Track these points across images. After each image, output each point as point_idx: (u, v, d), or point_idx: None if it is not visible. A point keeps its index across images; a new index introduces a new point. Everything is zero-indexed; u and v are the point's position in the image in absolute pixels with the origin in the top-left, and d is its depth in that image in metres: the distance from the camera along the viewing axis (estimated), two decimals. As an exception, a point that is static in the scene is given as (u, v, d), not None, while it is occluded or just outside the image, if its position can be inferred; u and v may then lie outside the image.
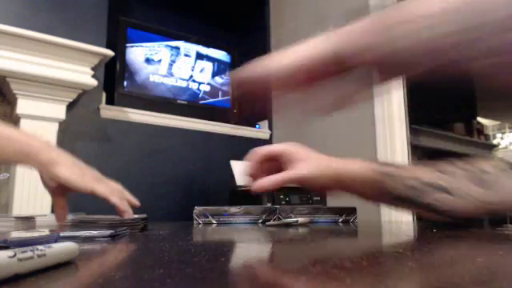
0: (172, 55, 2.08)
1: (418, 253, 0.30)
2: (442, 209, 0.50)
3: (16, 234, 0.46)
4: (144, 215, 0.60)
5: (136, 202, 0.66)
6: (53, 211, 0.67)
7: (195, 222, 0.73)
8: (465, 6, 0.30)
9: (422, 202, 0.51)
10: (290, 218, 0.71)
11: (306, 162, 0.54)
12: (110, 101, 1.85)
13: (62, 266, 0.21)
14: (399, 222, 1.13)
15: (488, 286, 0.16)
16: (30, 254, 0.18)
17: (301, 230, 0.57)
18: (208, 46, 2.22)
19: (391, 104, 1.59)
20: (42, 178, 0.63)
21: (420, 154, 2.39)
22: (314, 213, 0.76)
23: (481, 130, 3.79)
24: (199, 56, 2.18)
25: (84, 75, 1.62)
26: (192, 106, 2.10)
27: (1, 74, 1.46)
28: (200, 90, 2.16)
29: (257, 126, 2.29)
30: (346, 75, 0.38)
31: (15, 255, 0.17)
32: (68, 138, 1.64)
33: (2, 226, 0.57)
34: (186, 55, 2.14)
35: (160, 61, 2.04)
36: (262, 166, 0.57)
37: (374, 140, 1.63)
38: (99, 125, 1.78)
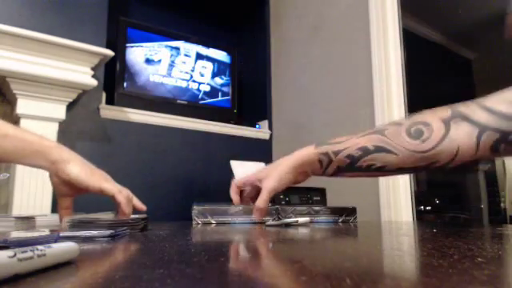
0: (172, 55, 2.08)
1: (418, 253, 0.30)
2: (381, 165, 0.56)
3: (16, 234, 0.46)
4: (144, 215, 0.60)
5: (143, 206, 0.67)
6: (53, 211, 0.67)
7: (194, 221, 0.73)
8: None
9: (362, 166, 0.58)
10: (290, 218, 0.71)
11: (269, 178, 0.68)
12: (110, 101, 1.85)
13: (62, 266, 0.21)
14: (399, 223, 1.13)
15: (488, 286, 0.16)
16: (30, 253, 0.18)
17: (301, 230, 0.57)
18: (208, 46, 2.22)
19: (391, 104, 1.59)
20: (51, 177, 0.64)
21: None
22: (313, 213, 0.76)
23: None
24: (199, 56, 2.18)
25: (84, 75, 1.62)
26: (192, 106, 2.10)
27: (1, 74, 1.46)
28: (200, 90, 2.16)
29: (257, 125, 2.29)
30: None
31: (15, 255, 0.17)
32: (68, 137, 1.64)
33: (2, 225, 0.57)
34: (186, 55, 2.14)
35: (160, 61, 2.04)
36: (244, 191, 0.76)
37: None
38: (99, 125, 1.78)
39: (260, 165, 0.85)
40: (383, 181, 1.54)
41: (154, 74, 2.01)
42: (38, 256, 0.19)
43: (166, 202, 1.83)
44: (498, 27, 3.49)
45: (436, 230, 0.49)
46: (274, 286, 0.17)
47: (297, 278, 0.19)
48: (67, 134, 1.65)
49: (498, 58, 3.87)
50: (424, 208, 3.05)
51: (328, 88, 1.89)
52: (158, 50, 2.04)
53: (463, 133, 0.51)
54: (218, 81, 2.23)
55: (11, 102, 1.61)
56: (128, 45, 1.94)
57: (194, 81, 2.14)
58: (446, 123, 0.52)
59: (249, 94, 2.45)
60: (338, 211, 0.79)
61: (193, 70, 2.15)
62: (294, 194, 1.51)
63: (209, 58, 2.22)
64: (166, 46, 2.07)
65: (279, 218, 0.71)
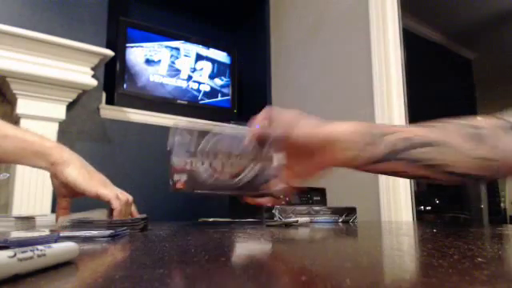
0: (172, 55, 2.08)
1: (418, 253, 0.30)
2: (430, 163, 0.47)
3: (16, 234, 0.46)
4: (144, 215, 0.60)
5: (137, 216, 0.66)
6: (53, 211, 0.67)
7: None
8: None
9: (409, 158, 0.47)
10: (290, 218, 0.71)
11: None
12: (110, 101, 1.85)
13: (62, 266, 0.21)
14: (399, 222, 1.13)
15: (488, 286, 0.16)
16: (30, 253, 0.18)
17: (301, 230, 0.57)
18: (208, 46, 2.22)
19: (391, 104, 1.59)
20: (51, 177, 0.64)
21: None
22: (313, 213, 0.76)
23: (481, 130, 3.79)
24: (199, 57, 2.18)
25: (84, 75, 1.62)
26: (192, 106, 2.10)
27: (1, 74, 1.46)
28: (200, 91, 2.16)
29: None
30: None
31: (15, 255, 0.17)
32: (68, 138, 1.64)
33: (2, 225, 0.57)
34: (186, 55, 2.14)
35: (160, 61, 2.04)
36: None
37: (374, 140, 1.62)
38: (99, 125, 1.78)
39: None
40: (383, 181, 1.54)
41: (154, 74, 2.01)
42: (38, 256, 0.19)
43: (166, 201, 1.83)
44: (498, 27, 3.49)
45: (436, 230, 0.49)
46: (275, 285, 0.17)
47: (297, 277, 0.19)
48: (67, 134, 1.65)
49: (498, 58, 3.87)
50: (424, 208, 3.05)
51: (328, 88, 1.89)
52: (158, 50, 2.04)
53: None
54: (218, 82, 2.23)
55: (11, 102, 1.61)
56: (128, 45, 1.94)
57: (193, 81, 2.14)
58: (507, 131, 0.46)
59: (249, 94, 2.45)
60: (338, 211, 0.79)
61: (192, 71, 2.15)
62: (293, 194, 1.51)
63: (209, 59, 2.22)
64: (166, 47, 2.07)
65: (279, 218, 0.71)
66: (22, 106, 1.53)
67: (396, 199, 1.50)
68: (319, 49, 1.98)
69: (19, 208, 1.46)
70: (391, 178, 1.54)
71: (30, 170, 1.36)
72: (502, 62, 3.90)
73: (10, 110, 1.62)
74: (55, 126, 1.59)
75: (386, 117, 1.57)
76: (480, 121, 0.49)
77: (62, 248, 0.21)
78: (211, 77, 2.21)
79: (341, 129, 0.49)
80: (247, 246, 0.35)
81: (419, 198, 2.24)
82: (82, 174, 0.62)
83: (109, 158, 1.75)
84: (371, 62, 1.66)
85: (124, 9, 2.14)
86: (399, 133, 0.48)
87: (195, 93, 2.14)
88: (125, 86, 1.90)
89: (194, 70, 2.15)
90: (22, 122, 1.53)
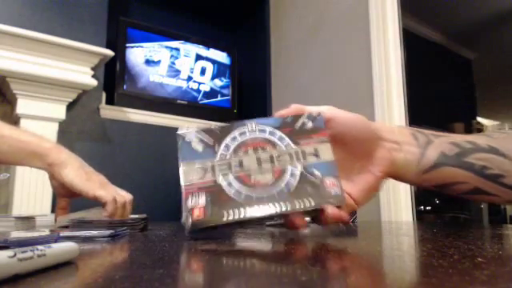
0: (172, 55, 2.08)
1: (418, 253, 0.30)
2: (499, 172, 0.39)
3: (16, 234, 0.46)
4: (144, 215, 0.60)
5: (128, 216, 0.65)
6: (53, 211, 0.67)
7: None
8: None
9: (474, 165, 0.39)
10: (290, 218, 0.71)
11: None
12: (110, 101, 1.85)
13: (62, 266, 0.21)
14: (399, 222, 1.13)
15: (488, 286, 0.16)
16: (30, 253, 0.18)
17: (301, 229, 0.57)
18: (208, 46, 2.22)
19: (391, 104, 1.59)
20: (50, 178, 0.64)
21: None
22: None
23: (481, 130, 3.80)
24: (199, 57, 2.18)
25: (84, 75, 1.63)
26: (192, 106, 2.10)
27: (1, 74, 1.46)
28: (200, 91, 2.16)
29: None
30: None
31: (15, 255, 0.17)
32: (68, 138, 1.64)
33: (2, 225, 0.57)
34: (186, 55, 2.14)
35: (160, 61, 2.04)
36: None
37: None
38: (99, 125, 1.78)
39: None
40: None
41: (154, 74, 2.01)
42: (38, 256, 0.19)
43: (166, 201, 1.83)
44: (498, 27, 3.49)
45: (436, 230, 0.49)
46: (274, 285, 0.17)
47: (297, 278, 0.19)
48: (67, 134, 1.65)
49: (498, 58, 3.87)
50: (424, 208, 3.05)
51: (328, 88, 1.89)
52: (158, 50, 2.04)
53: None
54: (218, 83, 2.23)
55: (11, 102, 1.61)
56: (128, 45, 1.94)
57: (193, 81, 2.14)
58: None
59: (249, 94, 2.45)
60: (338, 211, 0.78)
61: (192, 71, 2.15)
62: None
63: (209, 59, 2.22)
64: (166, 47, 2.07)
65: (280, 218, 0.71)
66: (22, 106, 1.53)
67: (396, 199, 1.50)
68: (319, 49, 1.98)
69: (19, 208, 1.46)
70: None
71: (29, 170, 1.36)
72: (502, 61, 3.90)
73: (9, 110, 1.62)
74: (55, 126, 1.59)
75: (386, 117, 1.57)
76: None
77: (62, 248, 0.21)
78: (211, 78, 2.21)
79: (381, 124, 0.45)
80: (247, 246, 0.35)
81: (419, 198, 2.24)
82: (79, 175, 0.62)
83: (109, 158, 1.75)
84: (371, 62, 1.66)
85: (124, 9, 2.14)
86: (445, 137, 0.42)
87: (195, 93, 2.14)
88: (125, 86, 1.90)
89: (194, 70, 2.15)
90: (22, 122, 1.53)
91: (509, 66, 3.86)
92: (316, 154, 0.37)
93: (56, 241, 0.24)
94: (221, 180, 0.35)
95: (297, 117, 0.39)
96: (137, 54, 1.97)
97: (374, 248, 0.34)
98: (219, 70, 2.24)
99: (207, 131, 0.38)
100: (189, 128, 0.38)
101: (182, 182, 0.35)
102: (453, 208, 3.20)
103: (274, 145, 0.38)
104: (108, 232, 0.41)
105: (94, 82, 1.64)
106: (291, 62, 2.16)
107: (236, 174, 0.36)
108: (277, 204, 0.35)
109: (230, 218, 0.34)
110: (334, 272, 0.21)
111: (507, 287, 0.16)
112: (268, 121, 0.39)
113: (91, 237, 0.39)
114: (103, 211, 0.62)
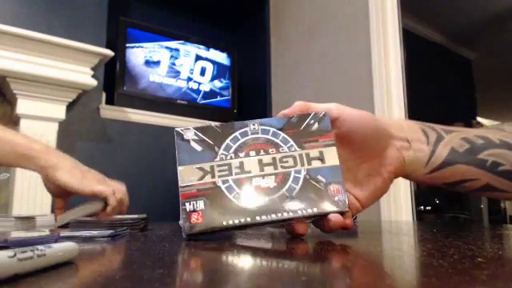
0: (172, 56, 2.08)
1: (418, 253, 0.30)
2: (506, 169, 0.38)
3: (16, 234, 0.46)
4: (144, 215, 0.60)
5: (125, 209, 0.66)
6: (53, 211, 0.67)
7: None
8: None
9: (486, 161, 0.38)
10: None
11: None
12: (110, 101, 1.85)
13: (62, 266, 0.21)
14: (399, 222, 1.13)
15: (488, 286, 0.16)
16: (30, 253, 0.18)
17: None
18: (208, 46, 2.22)
19: (391, 104, 1.59)
20: (43, 180, 0.64)
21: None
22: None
23: (481, 130, 3.79)
24: (199, 57, 2.18)
25: (84, 75, 1.63)
26: (192, 106, 2.10)
27: (1, 74, 1.46)
28: (200, 91, 2.16)
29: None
30: None
31: (15, 255, 0.17)
32: (68, 138, 1.64)
33: (2, 225, 0.57)
34: (186, 56, 2.14)
35: (160, 62, 2.04)
36: None
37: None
38: (99, 125, 1.78)
39: None
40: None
41: (154, 74, 2.01)
42: (38, 256, 0.19)
43: (166, 201, 1.83)
44: (498, 27, 3.49)
45: (436, 230, 0.49)
46: (273, 286, 0.17)
47: (297, 278, 0.19)
48: (67, 134, 1.65)
49: (498, 58, 3.87)
50: (424, 208, 3.05)
51: (328, 88, 1.89)
52: (158, 50, 2.04)
53: None
54: (218, 84, 2.23)
55: (11, 102, 1.61)
56: (128, 45, 1.94)
57: (193, 81, 2.14)
58: None
59: (249, 94, 2.45)
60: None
61: (192, 72, 2.15)
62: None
63: (208, 60, 2.22)
64: (166, 47, 2.07)
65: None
66: (22, 106, 1.53)
67: (396, 199, 1.50)
68: (319, 49, 1.98)
69: (19, 208, 1.46)
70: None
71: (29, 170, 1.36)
72: (502, 62, 3.90)
73: (9, 110, 1.62)
74: (55, 126, 1.59)
75: (386, 117, 1.57)
76: None
77: (62, 248, 0.21)
78: (211, 78, 2.21)
79: (389, 119, 0.43)
80: (247, 246, 0.35)
81: (419, 198, 2.24)
82: (73, 175, 0.61)
83: (109, 158, 1.75)
84: (371, 62, 1.66)
85: (124, 9, 2.14)
86: (456, 132, 0.40)
87: (195, 93, 2.14)
88: (125, 86, 1.90)
89: (194, 70, 2.15)
90: (22, 122, 1.53)
91: (509, 65, 3.86)
92: (321, 159, 0.36)
93: (56, 241, 0.24)
94: (220, 182, 0.34)
95: (302, 117, 0.38)
96: (137, 54, 1.97)
97: (374, 248, 0.34)
98: (219, 71, 2.24)
99: (207, 130, 0.36)
100: (188, 126, 0.37)
101: (180, 183, 0.34)
102: (453, 208, 3.20)
103: (276, 147, 0.36)
104: (108, 232, 0.41)
105: (94, 82, 1.64)
106: (291, 62, 2.16)
107: (236, 177, 0.34)
108: (278, 210, 0.34)
109: (230, 222, 0.33)
110: (334, 272, 0.21)
111: (507, 287, 0.16)
112: (271, 121, 0.37)
113: (91, 237, 0.39)
114: (101, 203, 0.62)
